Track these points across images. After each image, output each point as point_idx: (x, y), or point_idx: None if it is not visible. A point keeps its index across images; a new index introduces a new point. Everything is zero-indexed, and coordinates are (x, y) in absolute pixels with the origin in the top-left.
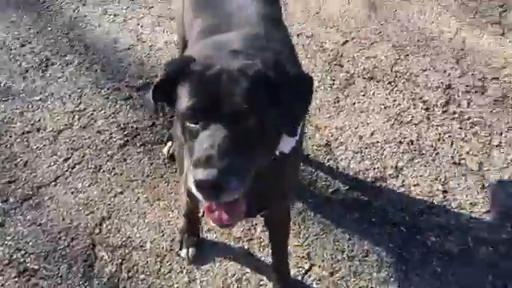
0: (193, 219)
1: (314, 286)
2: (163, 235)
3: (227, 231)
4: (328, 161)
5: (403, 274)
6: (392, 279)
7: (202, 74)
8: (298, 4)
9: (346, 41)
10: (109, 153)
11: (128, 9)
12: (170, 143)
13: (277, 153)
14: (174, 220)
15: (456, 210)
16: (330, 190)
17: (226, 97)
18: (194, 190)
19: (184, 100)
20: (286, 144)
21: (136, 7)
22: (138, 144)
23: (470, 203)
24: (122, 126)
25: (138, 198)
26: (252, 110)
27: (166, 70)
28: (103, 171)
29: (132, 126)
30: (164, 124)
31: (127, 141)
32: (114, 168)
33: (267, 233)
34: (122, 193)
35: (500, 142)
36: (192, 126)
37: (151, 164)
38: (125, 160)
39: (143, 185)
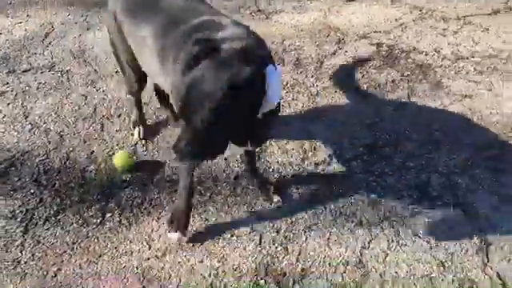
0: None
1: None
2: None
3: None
4: None
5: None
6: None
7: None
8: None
9: None
10: (16, 244)
11: None
12: (136, 130)
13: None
14: (131, 262)
15: (323, 146)
16: (228, 173)
17: None
18: None
19: None
20: (266, 108)
21: None
22: (41, 222)
23: (326, 137)
24: (9, 215)
25: (80, 265)
26: None
27: None
28: (25, 262)
29: (21, 211)
30: (52, 194)
31: (26, 225)
32: (33, 254)
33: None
34: (60, 269)
35: (317, 91)
36: None
37: (68, 232)
38: (39, 242)
39: (76, 252)
